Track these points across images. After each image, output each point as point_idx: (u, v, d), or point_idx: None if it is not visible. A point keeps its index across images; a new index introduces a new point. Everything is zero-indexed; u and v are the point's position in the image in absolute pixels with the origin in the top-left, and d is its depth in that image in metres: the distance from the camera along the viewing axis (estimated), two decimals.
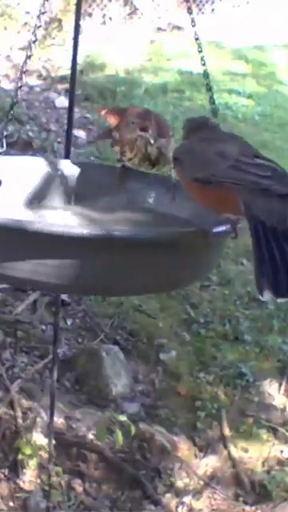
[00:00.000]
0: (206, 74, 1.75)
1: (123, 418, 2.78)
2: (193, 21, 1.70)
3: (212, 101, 1.70)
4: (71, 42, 2.03)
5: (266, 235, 1.34)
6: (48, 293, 3.46)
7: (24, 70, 1.72)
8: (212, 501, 3.04)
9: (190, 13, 1.72)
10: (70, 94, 2.06)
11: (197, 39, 1.74)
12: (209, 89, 1.71)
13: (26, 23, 7.16)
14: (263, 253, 1.37)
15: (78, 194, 1.91)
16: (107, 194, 1.88)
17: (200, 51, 1.74)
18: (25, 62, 1.71)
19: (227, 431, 3.28)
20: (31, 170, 1.95)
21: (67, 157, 2.09)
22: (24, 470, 2.86)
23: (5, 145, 1.82)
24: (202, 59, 1.73)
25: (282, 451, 3.27)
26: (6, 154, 1.83)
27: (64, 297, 3.67)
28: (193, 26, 1.70)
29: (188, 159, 1.55)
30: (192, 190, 1.53)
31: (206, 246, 1.52)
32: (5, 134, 1.84)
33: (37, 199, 1.90)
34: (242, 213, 1.39)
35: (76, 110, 6.04)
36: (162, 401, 3.34)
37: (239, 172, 1.44)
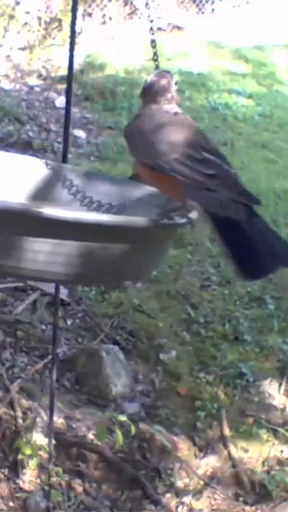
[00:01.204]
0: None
1: (123, 418, 2.78)
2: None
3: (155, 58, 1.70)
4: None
5: (223, 226, 1.38)
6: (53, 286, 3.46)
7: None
8: (212, 501, 3.03)
9: None
10: (67, 93, 2.06)
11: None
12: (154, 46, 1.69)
13: (26, 23, 7.16)
14: (230, 243, 1.40)
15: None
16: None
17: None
18: None
19: (227, 431, 3.28)
20: (32, 170, 1.95)
21: (65, 156, 2.09)
22: (24, 470, 2.86)
23: None
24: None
25: (282, 451, 3.27)
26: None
27: (64, 296, 3.68)
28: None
29: (137, 141, 1.53)
30: (142, 170, 1.52)
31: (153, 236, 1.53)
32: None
33: (38, 199, 1.91)
34: (185, 202, 1.43)
35: (76, 109, 6.05)
36: (162, 401, 3.34)
37: (184, 167, 1.43)
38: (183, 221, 1.51)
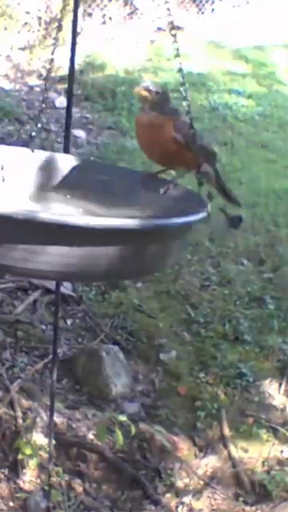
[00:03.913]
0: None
1: (123, 418, 2.78)
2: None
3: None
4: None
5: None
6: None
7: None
8: (212, 501, 3.03)
9: None
10: (69, 93, 2.07)
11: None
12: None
13: (26, 23, 7.16)
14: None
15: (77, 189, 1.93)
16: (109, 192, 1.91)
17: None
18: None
19: (227, 431, 3.28)
20: (35, 161, 1.97)
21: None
22: (24, 470, 2.86)
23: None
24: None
25: (282, 451, 3.27)
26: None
27: (69, 291, 3.68)
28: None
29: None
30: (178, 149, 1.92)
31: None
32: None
33: (40, 191, 1.92)
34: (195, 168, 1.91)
35: (76, 109, 6.05)
36: (162, 401, 3.34)
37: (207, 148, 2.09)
38: (202, 215, 1.62)
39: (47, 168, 1.98)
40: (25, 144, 2.08)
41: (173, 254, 1.67)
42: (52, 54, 1.98)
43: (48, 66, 2.05)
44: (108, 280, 3.34)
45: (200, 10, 8.72)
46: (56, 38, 2.04)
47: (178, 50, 1.82)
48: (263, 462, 3.21)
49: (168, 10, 1.81)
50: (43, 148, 5.10)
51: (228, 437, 3.26)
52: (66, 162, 2.00)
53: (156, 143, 1.96)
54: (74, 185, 1.93)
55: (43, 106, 2.11)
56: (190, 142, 1.89)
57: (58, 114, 5.88)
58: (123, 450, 3.02)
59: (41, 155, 2.00)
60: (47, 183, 1.96)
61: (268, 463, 3.20)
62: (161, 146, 1.95)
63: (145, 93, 1.96)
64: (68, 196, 1.90)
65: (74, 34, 1.97)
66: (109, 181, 1.94)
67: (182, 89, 1.83)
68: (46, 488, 2.73)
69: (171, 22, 1.80)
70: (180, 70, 1.85)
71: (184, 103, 1.83)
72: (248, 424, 3.34)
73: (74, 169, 1.98)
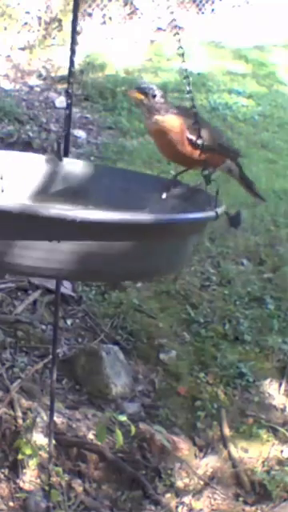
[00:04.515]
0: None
1: (123, 417, 2.78)
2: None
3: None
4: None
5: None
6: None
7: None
8: (212, 501, 3.03)
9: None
10: (69, 93, 2.06)
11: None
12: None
13: (26, 23, 7.16)
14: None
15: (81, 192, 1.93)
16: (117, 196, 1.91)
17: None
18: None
19: (227, 431, 3.28)
20: (35, 166, 1.96)
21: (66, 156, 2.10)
22: (24, 470, 2.86)
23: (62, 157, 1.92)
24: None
25: (282, 451, 3.27)
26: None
27: (69, 291, 3.69)
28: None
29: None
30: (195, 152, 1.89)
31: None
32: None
33: (41, 195, 1.91)
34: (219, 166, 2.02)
35: (76, 109, 6.05)
36: (162, 401, 3.34)
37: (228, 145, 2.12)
38: (212, 214, 1.61)
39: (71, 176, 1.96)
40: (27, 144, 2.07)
41: (186, 254, 1.67)
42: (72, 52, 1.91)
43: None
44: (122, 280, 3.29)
45: (200, 10, 8.72)
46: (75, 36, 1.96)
47: (181, 48, 1.76)
48: (263, 462, 3.21)
49: (169, 9, 1.79)
50: (43, 148, 5.12)
51: (228, 437, 3.26)
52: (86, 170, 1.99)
53: (170, 146, 1.91)
54: (91, 194, 1.92)
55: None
56: (208, 140, 1.87)
57: (58, 114, 5.88)
58: (123, 450, 3.02)
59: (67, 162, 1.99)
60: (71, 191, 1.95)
61: (268, 463, 3.20)
62: (176, 148, 1.90)
63: (140, 96, 1.91)
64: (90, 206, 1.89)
65: (74, 33, 1.95)
66: (128, 188, 1.91)
67: (187, 87, 1.79)
68: (46, 488, 2.73)
69: (173, 20, 1.76)
70: (185, 76, 1.81)
71: (189, 95, 1.78)
72: (248, 424, 3.34)
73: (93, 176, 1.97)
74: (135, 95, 1.92)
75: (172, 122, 1.89)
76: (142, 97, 1.90)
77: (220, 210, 1.61)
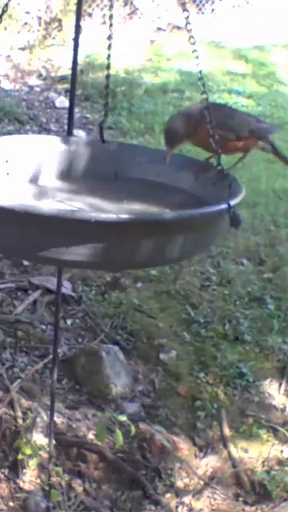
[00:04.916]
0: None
1: (123, 417, 2.78)
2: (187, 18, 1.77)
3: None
4: (71, 42, 2.03)
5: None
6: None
7: None
8: (212, 501, 3.03)
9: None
10: (71, 94, 2.07)
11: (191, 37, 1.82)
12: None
13: (26, 23, 7.16)
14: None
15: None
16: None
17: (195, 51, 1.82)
18: None
19: (227, 431, 3.28)
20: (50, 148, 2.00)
21: None
22: (24, 470, 2.86)
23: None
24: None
25: (282, 451, 3.27)
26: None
27: (69, 291, 3.69)
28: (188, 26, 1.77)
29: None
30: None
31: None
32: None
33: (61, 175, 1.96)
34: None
35: (76, 109, 6.05)
36: (162, 401, 3.34)
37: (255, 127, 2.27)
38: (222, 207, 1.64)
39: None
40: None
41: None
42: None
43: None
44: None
45: (200, 10, 8.72)
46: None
47: (195, 51, 1.83)
48: (263, 462, 3.21)
49: (183, 5, 1.81)
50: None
51: (228, 437, 3.26)
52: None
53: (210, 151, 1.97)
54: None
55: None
56: (234, 131, 2.02)
57: (58, 114, 5.89)
58: (123, 450, 3.02)
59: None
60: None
61: (268, 463, 3.20)
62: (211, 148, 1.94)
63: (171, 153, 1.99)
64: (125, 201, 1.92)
65: (77, 34, 1.97)
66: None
67: (199, 83, 1.85)
68: (46, 488, 2.73)
69: (186, 18, 1.80)
70: (200, 78, 1.86)
71: (203, 96, 1.82)
72: (248, 424, 3.34)
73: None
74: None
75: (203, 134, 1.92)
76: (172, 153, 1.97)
77: (233, 202, 1.65)
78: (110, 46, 1.91)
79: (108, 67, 1.95)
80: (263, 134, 2.32)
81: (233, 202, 1.63)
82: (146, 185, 1.97)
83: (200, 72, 1.83)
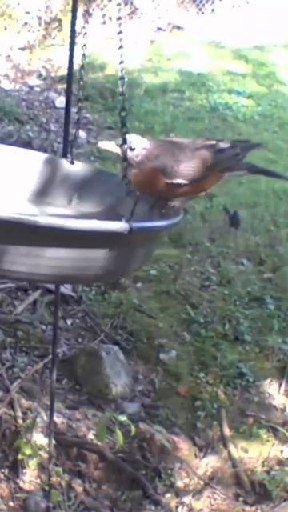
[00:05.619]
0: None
1: (123, 417, 2.78)
2: None
3: None
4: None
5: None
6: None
7: None
8: (212, 501, 3.03)
9: None
10: (67, 93, 2.07)
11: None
12: None
13: (26, 23, 7.16)
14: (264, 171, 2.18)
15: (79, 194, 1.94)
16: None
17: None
18: None
19: (227, 431, 3.28)
20: (34, 164, 1.98)
21: (64, 156, 2.12)
22: (24, 470, 2.86)
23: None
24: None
25: (282, 451, 3.27)
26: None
27: (69, 291, 3.69)
28: None
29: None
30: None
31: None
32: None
33: (38, 195, 1.93)
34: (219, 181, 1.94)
35: (76, 109, 6.05)
36: (162, 401, 3.34)
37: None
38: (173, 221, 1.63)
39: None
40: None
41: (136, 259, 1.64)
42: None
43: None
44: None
45: (200, 10, 8.72)
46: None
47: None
48: (263, 462, 3.20)
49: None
50: (43, 148, 5.12)
51: (228, 437, 3.26)
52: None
53: (155, 191, 1.80)
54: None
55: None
56: (194, 172, 1.78)
57: (58, 114, 5.88)
58: (123, 450, 3.02)
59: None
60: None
61: (268, 463, 3.20)
62: (161, 192, 1.81)
63: (114, 149, 1.86)
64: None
65: (73, 33, 1.96)
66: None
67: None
68: (46, 488, 2.73)
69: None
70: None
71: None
72: (248, 424, 3.34)
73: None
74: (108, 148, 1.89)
75: (148, 176, 1.77)
76: (117, 151, 1.77)
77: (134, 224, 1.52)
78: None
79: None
80: (228, 164, 1.95)
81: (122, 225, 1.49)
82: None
83: (122, 70, 1.75)
